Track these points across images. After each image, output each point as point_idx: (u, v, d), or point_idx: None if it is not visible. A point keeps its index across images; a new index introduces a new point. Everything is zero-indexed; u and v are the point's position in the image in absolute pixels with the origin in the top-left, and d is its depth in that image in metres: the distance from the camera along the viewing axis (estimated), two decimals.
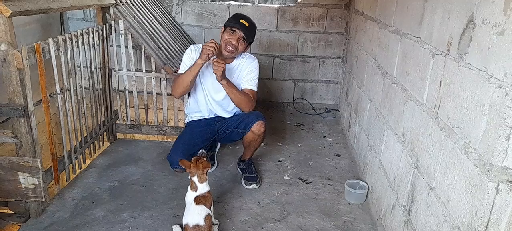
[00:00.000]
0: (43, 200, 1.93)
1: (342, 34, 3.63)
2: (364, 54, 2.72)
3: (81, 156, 2.39)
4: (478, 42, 1.14)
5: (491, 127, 1.05)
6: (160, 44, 2.83)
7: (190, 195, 1.77)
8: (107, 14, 2.61)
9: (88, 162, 2.53)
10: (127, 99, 2.83)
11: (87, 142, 2.46)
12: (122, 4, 2.72)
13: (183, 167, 1.80)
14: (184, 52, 3.09)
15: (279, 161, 2.73)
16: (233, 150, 2.84)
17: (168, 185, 2.31)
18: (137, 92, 2.81)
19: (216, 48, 2.00)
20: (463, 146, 1.19)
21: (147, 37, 2.74)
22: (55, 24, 3.55)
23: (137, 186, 2.29)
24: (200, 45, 2.27)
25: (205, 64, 2.08)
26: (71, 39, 2.12)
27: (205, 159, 1.82)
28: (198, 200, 1.74)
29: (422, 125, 1.54)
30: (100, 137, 2.67)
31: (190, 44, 3.41)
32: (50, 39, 1.95)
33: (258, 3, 3.85)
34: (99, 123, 2.63)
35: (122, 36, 2.65)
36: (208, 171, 1.82)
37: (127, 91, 2.81)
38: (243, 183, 2.35)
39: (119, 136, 2.96)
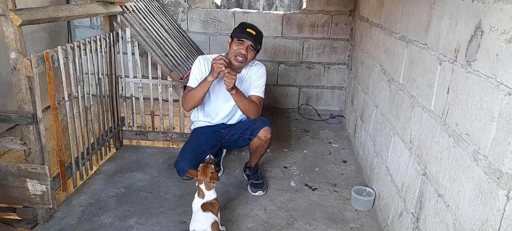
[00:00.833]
0: (51, 206, 1.94)
1: (347, 40, 3.64)
2: (370, 60, 2.72)
3: (88, 162, 2.40)
4: (486, 49, 1.14)
5: (501, 134, 1.04)
6: (166, 51, 2.86)
7: (197, 202, 1.77)
8: (114, 22, 2.64)
9: (94, 168, 2.55)
10: (134, 106, 2.85)
11: (94, 148, 2.47)
12: (129, 12, 2.75)
13: (191, 176, 1.80)
14: (190, 58, 3.13)
15: (285, 167, 2.73)
16: (239, 156, 2.84)
17: (175, 192, 2.32)
18: (144, 99, 2.83)
19: (225, 63, 2.01)
20: (472, 153, 1.19)
21: (154, 45, 2.76)
22: (62, 32, 3.59)
23: (144, 192, 2.30)
24: (208, 56, 2.29)
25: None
26: (79, 47, 2.15)
27: (213, 166, 1.82)
28: (205, 207, 1.74)
29: (429, 131, 1.54)
30: (107, 143, 2.68)
31: (196, 51, 3.44)
32: (59, 47, 1.97)
33: (263, 10, 3.88)
34: (106, 129, 2.65)
35: (129, 43, 2.68)
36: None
37: (133, 98, 2.83)
38: (249, 189, 2.35)
39: (125, 142, 2.98)
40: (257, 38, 2.17)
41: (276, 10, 3.87)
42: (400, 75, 1.97)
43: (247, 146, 2.35)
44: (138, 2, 2.98)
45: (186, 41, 3.43)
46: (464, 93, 1.26)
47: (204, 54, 3.52)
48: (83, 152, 2.32)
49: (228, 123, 2.41)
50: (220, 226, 1.82)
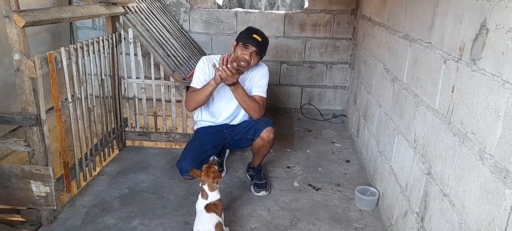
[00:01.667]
0: (55, 208, 1.95)
1: (349, 39, 3.63)
2: (373, 59, 2.71)
3: (91, 163, 2.40)
4: (491, 47, 1.14)
5: (507, 133, 1.04)
6: (168, 52, 2.86)
7: (200, 203, 1.77)
8: (116, 23, 2.64)
9: (98, 169, 2.55)
10: (136, 107, 2.85)
11: (97, 149, 2.48)
12: (131, 13, 2.75)
13: (194, 175, 1.80)
14: (192, 59, 3.13)
15: (288, 167, 2.72)
16: (242, 156, 2.83)
17: (178, 192, 2.32)
18: (146, 100, 2.83)
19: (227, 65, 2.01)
20: (478, 152, 1.18)
21: (156, 45, 2.76)
22: (64, 33, 3.60)
23: (147, 193, 2.30)
24: (212, 57, 2.29)
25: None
26: (82, 48, 2.15)
27: (216, 167, 1.82)
28: (208, 208, 1.74)
29: (434, 130, 1.53)
30: (110, 144, 2.68)
31: (198, 51, 3.44)
32: (62, 49, 1.97)
33: (265, 9, 3.87)
34: (109, 130, 2.65)
35: (132, 44, 2.68)
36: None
37: (136, 99, 2.83)
38: (252, 189, 2.35)
39: (128, 143, 2.98)
40: (262, 44, 2.17)
41: (278, 9, 3.86)
42: (404, 74, 1.96)
43: (250, 146, 2.35)
44: (140, 2, 2.98)
45: (188, 42, 3.43)
46: (469, 92, 1.25)
47: (206, 54, 3.53)
48: (86, 153, 2.32)
49: (231, 123, 2.41)
50: (223, 227, 1.82)
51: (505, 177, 1.03)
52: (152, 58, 2.71)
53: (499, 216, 1.05)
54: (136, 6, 2.88)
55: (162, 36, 2.94)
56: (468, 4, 1.30)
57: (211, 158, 1.95)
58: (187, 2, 3.61)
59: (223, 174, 2.53)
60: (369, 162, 2.60)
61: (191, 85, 2.27)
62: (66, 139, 2.11)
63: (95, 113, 2.40)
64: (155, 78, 2.78)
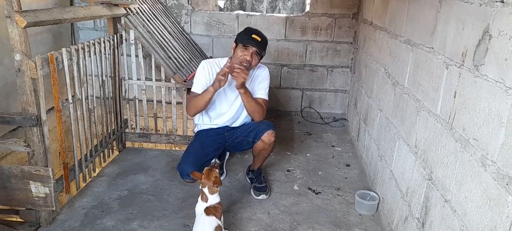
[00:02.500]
0: (54, 209, 1.94)
1: (350, 43, 3.63)
2: (374, 63, 2.71)
3: (91, 164, 2.40)
4: (494, 53, 1.13)
5: (510, 140, 1.03)
6: (169, 54, 2.85)
7: (200, 206, 1.76)
8: (118, 24, 2.64)
9: (97, 170, 2.54)
10: (137, 108, 2.84)
11: (97, 150, 2.47)
12: (133, 14, 2.75)
13: (194, 178, 1.79)
14: (193, 61, 3.12)
15: (288, 170, 2.72)
16: (242, 159, 2.83)
17: (178, 195, 2.31)
18: (147, 101, 2.82)
19: (226, 75, 2.04)
20: (480, 158, 1.17)
21: (157, 47, 2.76)
22: (65, 34, 3.60)
23: (147, 195, 2.29)
24: (212, 61, 2.29)
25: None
26: (83, 49, 2.15)
27: (217, 170, 1.82)
28: (208, 211, 1.73)
29: (435, 136, 1.53)
30: (110, 145, 2.68)
31: (199, 53, 3.44)
32: (63, 49, 1.97)
33: (266, 12, 3.87)
34: (109, 131, 2.64)
35: (133, 45, 2.68)
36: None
37: (136, 100, 2.83)
38: (252, 193, 2.34)
39: (128, 144, 2.97)
40: (262, 44, 2.17)
41: (279, 13, 3.87)
42: (405, 79, 1.96)
43: (251, 149, 2.34)
44: (142, 4, 2.98)
45: (190, 44, 3.43)
46: (472, 98, 1.25)
47: (207, 56, 3.53)
48: (86, 154, 2.32)
49: (232, 125, 2.40)
50: (223, 230, 1.81)
51: (507, 184, 1.03)
52: (153, 59, 2.70)
53: (501, 223, 1.04)
54: (138, 7, 2.88)
55: (163, 38, 2.94)
56: (471, 9, 1.29)
57: (212, 161, 1.94)
58: (188, 4, 3.62)
59: (223, 177, 2.52)
60: (369, 166, 2.60)
61: (192, 90, 2.27)
62: (66, 140, 2.11)
63: (95, 114, 2.39)
64: (156, 80, 2.77)
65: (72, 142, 2.18)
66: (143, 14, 2.91)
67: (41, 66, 1.76)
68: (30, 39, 1.73)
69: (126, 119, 2.90)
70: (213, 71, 2.22)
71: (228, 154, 2.71)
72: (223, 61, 2.26)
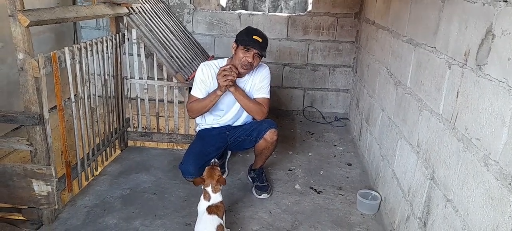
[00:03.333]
0: (56, 207, 1.94)
1: (352, 42, 3.63)
2: (376, 63, 2.70)
3: (93, 163, 2.40)
4: (497, 53, 1.13)
5: None
6: (171, 53, 2.86)
7: (202, 205, 1.77)
8: (120, 23, 2.65)
9: (100, 169, 2.55)
10: (139, 107, 2.85)
11: (99, 149, 2.48)
12: (135, 14, 2.75)
13: (198, 185, 1.80)
14: (195, 60, 3.13)
15: (290, 169, 2.72)
16: (243, 158, 2.83)
17: (179, 193, 2.31)
18: (149, 100, 2.83)
19: (234, 76, 2.07)
20: (482, 158, 1.17)
21: (159, 46, 2.76)
22: (68, 33, 3.61)
23: (149, 194, 2.30)
24: (211, 63, 2.27)
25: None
26: (86, 48, 2.15)
27: (219, 168, 1.82)
28: (210, 210, 1.73)
29: (438, 135, 1.52)
30: (112, 144, 2.68)
31: (201, 52, 3.44)
32: (66, 48, 1.97)
33: (268, 12, 3.87)
34: (111, 130, 2.65)
35: (135, 45, 2.68)
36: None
37: (138, 99, 2.83)
38: (254, 192, 2.34)
39: (130, 143, 2.98)
40: (263, 45, 2.16)
41: (281, 12, 3.86)
42: (408, 78, 1.95)
43: (253, 148, 2.34)
44: (144, 3, 2.99)
45: (192, 43, 3.43)
46: (474, 98, 1.25)
47: (209, 56, 3.53)
48: (88, 153, 2.32)
49: (234, 124, 2.41)
50: (225, 229, 1.81)
51: (510, 184, 1.03)
52: (155, 59, 2.71)
53: (504, 223, 1.04)
54: (140, 7, 2.89)
55: (165, 37, 2.94)
56: (474, 9, 1.29)
57: (212, 161, 1.94)
58: (190, 3, 3.62)
59: (224, 176, 2.52)
60: (371, 166, 2.60)
61: (191, 93, 2.26)
62: (68, 138, 2.12)
63: (97, 113, 2.40)
64: (158, 79, 2.78)
65: (74, 141, 2.19)
66: (145, 13, 2.91)
67: (43, 65, 1.77)
68: (32, 38, 1.73)
69: (128, 118, 2.91)
70: (212, 74, 2.21)
71: (229, 153, 2.71)
72: (222, 63, 2.25)
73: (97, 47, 2.28)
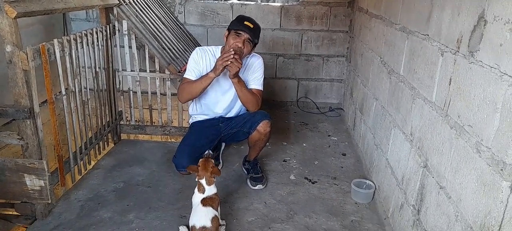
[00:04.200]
0: (49, 201, 1.93)
1: (346, 32, 3.62)
2: (369, 52, 2.70)
3: (86, 157, 2.38)
4: (489, 39, 1.13)
5: (504, 125, 1.03)
6: (163, 44, 2.83)
7: (197, 197, 1.76)
8: (110, 15, 2.60)
9: (93, 163, 2.53)
10: (131, 100, 2.82)
11: (92, 142, 2.45)
12: (126, 4, 2.71)
13: (191, 172, 1.79)
14: (187, 51, 3.10)
15: (284, 160, 2.72)
16: (238, 150, 2.83)
17: (174, 186, 2.31)
18: (141, 93, 2.80)
19: (238, 66, 2.01)
20: (474, 145, 1.18)
21: (151, 37, 2.73)
22: (57, 25, 3.55)
23: (143, 186, 2.29)
24: (206, 48, 2.26)
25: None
26: (75, 40, 2.12)
27: (212, 161, 1.81)
28: (205, 201, 1.73)
29: (431, 123, 1.53)
30: (105, 137, 2.66)
31: (193, 43, 3.41)
32: (55, 40, 1.94)
33: (261, 1, 3.84)
34: (104, 123, 2.62)
35: (126, 36, 2.65)
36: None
37: (131, 92, 2.80)
38: (249, 183, 2.34)
39: (123, 136, 2.96)
40: (254, 31, 2.14)
41: (274, 2, 3.83)
42: (401, 67, 1.95)
43: (246, 139, 2.34)
44: None
45: (184, 34, 3.40)
46: (467, 85, 1.25)
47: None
48: (81, 147, 2.30)
49: (227, 116, 2.39)
50: (220, 221, 1.81)
51: (502, 169, 1.03)
52: (147, 50, 2.68)
53: (496, 208, 1.05)
54: None
55: (157, 28, 2.91)
56: None
57: (206, 152, 1.93)
58: None
59: (219, 168, 2.51)
60: (365, 155, 2.61)
61: (184, 76, 2.25)
62: (60, 132, 2.09)
63: (89, 107, 2.37)
64: (150, 71, 2.75)
65: (67, 135, 2.17)
66: (136, 4, 2.87)
67: (32, 58, 1.73)
68: (21, 31, 1.70)
69: (121, 111, 2.88)
70: (206, 58, 2.20)
71: (223, 144, 2.70)
72: (217, 50, 2.24)
73: (87, 39, 2.25)
